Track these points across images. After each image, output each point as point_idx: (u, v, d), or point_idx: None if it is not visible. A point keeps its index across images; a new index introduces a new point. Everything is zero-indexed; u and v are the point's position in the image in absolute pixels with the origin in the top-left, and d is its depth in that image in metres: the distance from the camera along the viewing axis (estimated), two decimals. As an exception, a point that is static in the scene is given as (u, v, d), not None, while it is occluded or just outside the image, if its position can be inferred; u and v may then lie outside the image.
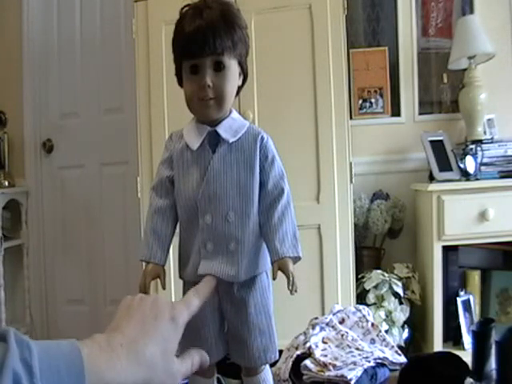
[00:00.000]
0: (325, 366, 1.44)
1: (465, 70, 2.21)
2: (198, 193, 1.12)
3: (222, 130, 1.13)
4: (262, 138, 1.15)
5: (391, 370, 1.52)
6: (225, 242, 1.12)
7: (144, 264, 1.15)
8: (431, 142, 2.10)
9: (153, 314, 0.51)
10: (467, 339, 1.92)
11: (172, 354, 0.51)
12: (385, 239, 2.30)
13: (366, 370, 1.44)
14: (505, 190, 1.93)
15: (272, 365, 1.30)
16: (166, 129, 2.02)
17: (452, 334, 1.99)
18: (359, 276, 2.05)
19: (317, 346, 1.53)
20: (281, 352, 1.52)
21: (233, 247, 1.12)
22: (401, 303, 1.97)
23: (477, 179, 2.01)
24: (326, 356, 1.49)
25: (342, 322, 1.70)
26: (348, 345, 1.57)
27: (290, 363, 1.50)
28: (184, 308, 0.55)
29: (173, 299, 0.51)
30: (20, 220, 2.68)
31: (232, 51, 1.08)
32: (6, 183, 2.61)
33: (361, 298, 1.99)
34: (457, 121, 2.33)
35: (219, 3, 1.09)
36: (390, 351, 1.59)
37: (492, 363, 1.44)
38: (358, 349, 1.55)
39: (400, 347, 1.75)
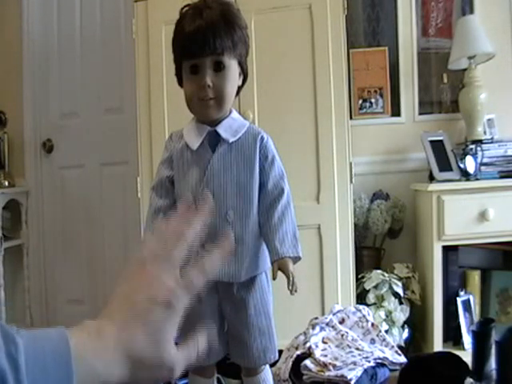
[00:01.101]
0: (325, 365, 1.44)
1: (465, 70, 2.20)
2: (197, 192, 1.12)
3: (222, 129, 1.13)
4: (262, 138, 1.15)
5: (391, 370, 1.52)
6: None
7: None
8: (431, 142, 2.10)
9: (149, 301, 0.47)
10: (467, 339, 1.91)
11: (168, 342, 0.47)
12: (385, 239, 2.29)
13: (366, 370, 1.44)
14: (505, 190, 1.93)
15: (272, 365, 1.30)
16: (166, 129, 2.02)
17: (452, 334, 1.98)
18: (359, 276, 2.05)
19: (317, 346, 1.53)
20: (281, 352, 1.52)
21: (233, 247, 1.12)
22: (401, 303, 1.97)
23: (477, 179, 2.01)
24: (326, 356, 1.49)
25: (342, 321, 1.70)
26: (348, 345, 1.57)
27: (290, 363, 1.50)
28: (184, 292, 0.51)
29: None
30: (20, 220, 2.68)
31: (232, 51, 1.08)
32: (6, 183, 2.61)
33: (361, 297, 1.99)
34: (457, 121, 2.32)
35: (219, 3, 1.09)
36: (390, 351, 1.59)
37: (492, 363, 1.44)
38: (358, 349, 1.55)
39: (400, 347, 1.75)
